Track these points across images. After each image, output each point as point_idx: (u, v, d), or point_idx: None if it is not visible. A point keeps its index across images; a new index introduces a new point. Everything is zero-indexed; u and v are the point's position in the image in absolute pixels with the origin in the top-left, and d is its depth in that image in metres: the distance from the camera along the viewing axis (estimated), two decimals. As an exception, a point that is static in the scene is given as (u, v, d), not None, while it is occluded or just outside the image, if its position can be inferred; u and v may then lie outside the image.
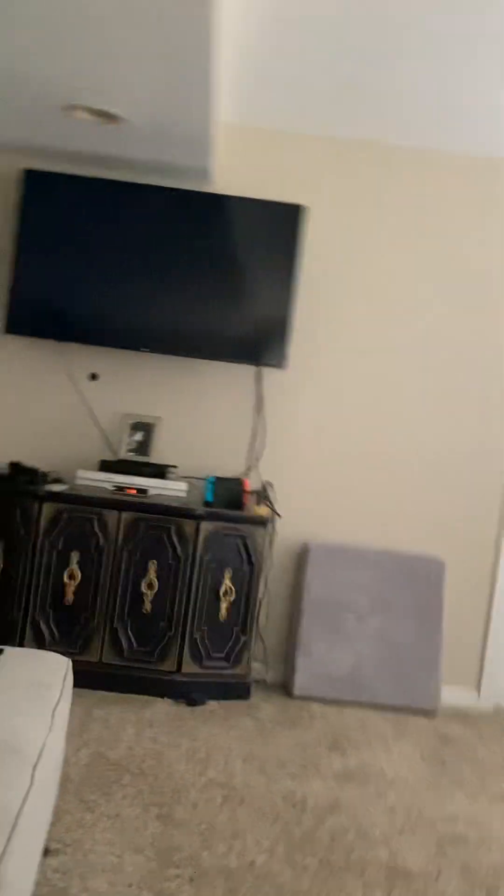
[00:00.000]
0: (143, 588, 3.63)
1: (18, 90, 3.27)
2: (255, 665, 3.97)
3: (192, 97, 3.14)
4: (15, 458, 3.89)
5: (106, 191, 3.81)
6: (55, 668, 2.08)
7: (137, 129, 3.52)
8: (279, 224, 3.83)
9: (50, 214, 3.82)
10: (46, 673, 2.03)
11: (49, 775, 1.73)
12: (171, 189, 3.83)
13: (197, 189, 3.89)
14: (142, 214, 3.85)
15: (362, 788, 2.94)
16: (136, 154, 3.79)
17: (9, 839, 1.27)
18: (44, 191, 3.81)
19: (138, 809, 2.56)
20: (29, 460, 3.92)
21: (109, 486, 3.72)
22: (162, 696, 3.59)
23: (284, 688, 3.95)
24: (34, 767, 1.52)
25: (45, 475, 3.77)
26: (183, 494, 3.78)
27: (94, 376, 4.01)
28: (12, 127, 3.67)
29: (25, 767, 1.49)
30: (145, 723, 3.29)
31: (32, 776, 1.49)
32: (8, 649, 2.11)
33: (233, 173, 3.97)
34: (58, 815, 2.44)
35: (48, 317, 3.86)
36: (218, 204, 3.85)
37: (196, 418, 4.04)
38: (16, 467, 3.80)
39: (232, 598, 3.70)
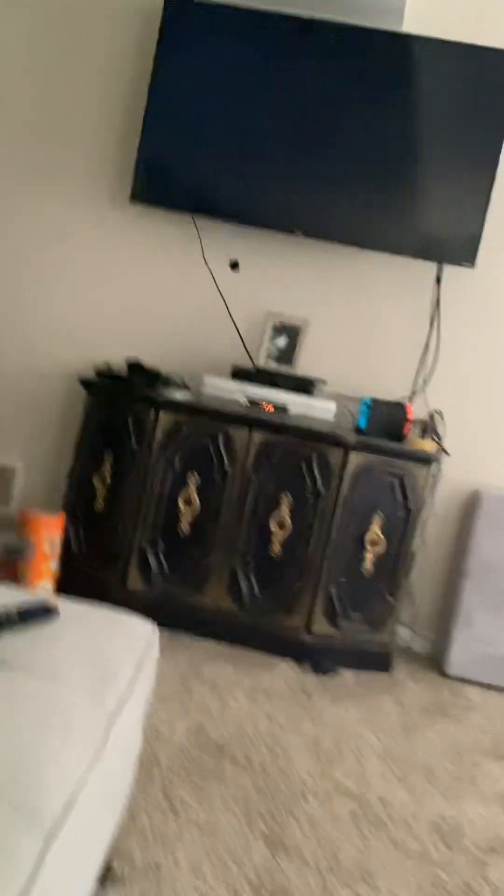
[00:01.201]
0: (273, 526, 2.97)
1: None
2: (401, 629, 3.26)
3: None
4: (134, 357, 3.28)
5: (264, 27, 3.03)
6: (132, 646, 1.45)
7: None
8: (486, 76, 2.95)
9: (192, 56, 3.08)
10: (119, 652, 1.40)
11: (88, 820, 1.10)
12: (347, 27, 3.01)
13: (382, 28, 3.04)
14: (308, 58, 3.05)
15: (535, 819, 2.22)
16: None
17: None
18: (186, 26, 3.07)
19: (240, 820, 1.95)
20: (150, 360, 3.29)
21: (242, 399, 3.05)
22: (284, 656, 2.96)
23: (435, 662, 3.24)
24: (49, 835, 0.89)
25: (166, 379, 3.14)
26: (330, 417, 3.06)
27: (234, 265, 3.31)
28: None
29: (34, 834, 0.85)
30: (261, 692, 2.67)
31: (43, 851, 0.85)
32: (70, 609, 1.49)
33: (427, 12, 3.10)
34: (133, 813, 1.85)
35: (182, 183, 3.17)
36: (406, 48, 3.00)
37: (353, 324, 3.29)
38: (134, 368, 3.19)
39: (381, 550, 3.00)
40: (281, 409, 3.04)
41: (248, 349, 3.29)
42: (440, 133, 3.01)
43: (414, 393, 3.24)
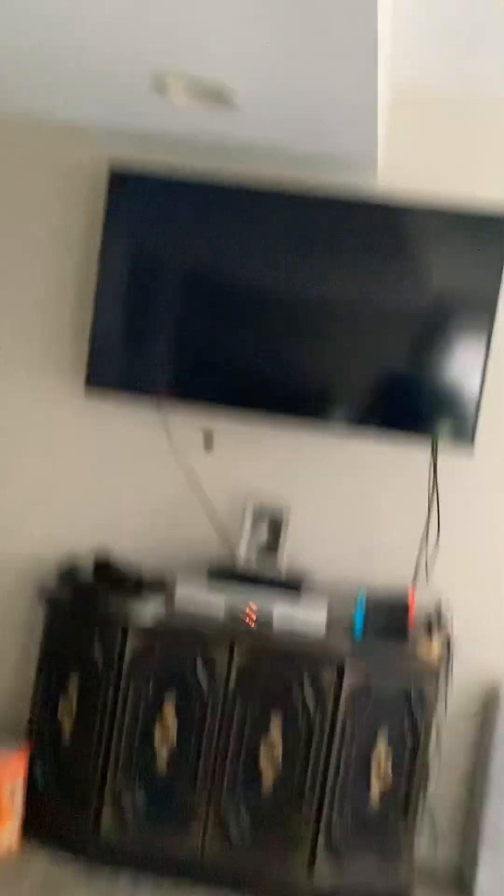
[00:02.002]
0: (263, 758, 2.60)
1: (92, 55, 2.23)
2: (420, 846, 2.85)
3: (352, 59, 1.98)
4: (103, 552, 2.93)
5: (219, 197, 2.72)
6: None
7: (257, 112, 2.40)
8: (474, 242, 2.61)
9: (140, 232, 2.79)
10: None
11: None
12: (300, 197, 2.69)
13: (352, 193, 2.71)
14: (271, 229, 2.73)
15: None
16: (259, 140, 2.67)
17: None
18: (132, 202, 2.77)
19: None
20: (122, 551, 2.95)
21: (220, 610, 2.69)
22: (285, 909, 2.57)
23: (460, 883, 2.82)
24: None
25: (137, 582, 2.80)
26: (321, 627, 2.68)
27: (208, 436, 2.97)
28: (95, 107, 2.65)
29: None
30: None
31: None
32: None
33: (399, 160, 2.78)
34: None
35: (139, 366, 2.85)
36: (380, 217, 2.67)
37: (343, 506, 2.92)
38: (101, 569, 2.86)
39: (388, 773, 2.61)
40: (265, 618, 2.68)
41: (228, 539, 2.94)
42: (427, 307, 2.67)
43: (416, 579, 2.87)
